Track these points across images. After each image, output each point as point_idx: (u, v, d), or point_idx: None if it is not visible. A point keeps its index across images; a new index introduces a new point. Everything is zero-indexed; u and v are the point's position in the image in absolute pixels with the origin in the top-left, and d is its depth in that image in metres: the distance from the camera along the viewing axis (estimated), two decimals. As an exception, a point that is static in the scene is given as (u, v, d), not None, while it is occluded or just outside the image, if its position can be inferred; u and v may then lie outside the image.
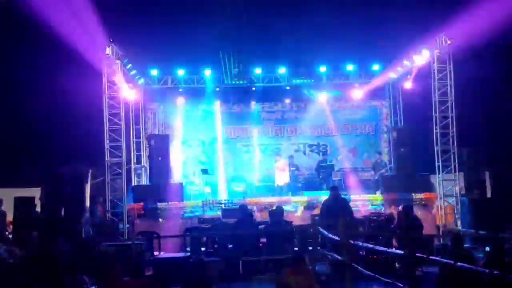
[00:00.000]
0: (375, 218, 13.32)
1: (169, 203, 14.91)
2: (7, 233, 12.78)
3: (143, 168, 18.05)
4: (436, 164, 14.96)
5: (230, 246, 11.57)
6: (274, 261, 10.58)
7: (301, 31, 15.69)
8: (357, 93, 18.57)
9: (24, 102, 16.69)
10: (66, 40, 15.03)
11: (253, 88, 18.20)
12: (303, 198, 15.49)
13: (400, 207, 12.40)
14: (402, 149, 16.92)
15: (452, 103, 14.90)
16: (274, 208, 12.99)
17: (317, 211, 13.51)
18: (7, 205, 12.84)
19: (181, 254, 11.98)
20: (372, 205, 15.28)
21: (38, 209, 12.76)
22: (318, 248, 10.89)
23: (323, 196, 13.84)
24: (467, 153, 15.25)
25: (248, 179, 18.03)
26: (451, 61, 14.88)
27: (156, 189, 15.51)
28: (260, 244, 11.63)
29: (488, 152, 15.41)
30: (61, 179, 13.10)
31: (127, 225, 14.11)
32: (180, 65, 17.31)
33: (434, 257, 7.53)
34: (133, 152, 17.86)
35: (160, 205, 14.73)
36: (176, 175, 17.85)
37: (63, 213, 12.71)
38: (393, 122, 19.24)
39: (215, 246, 12.22)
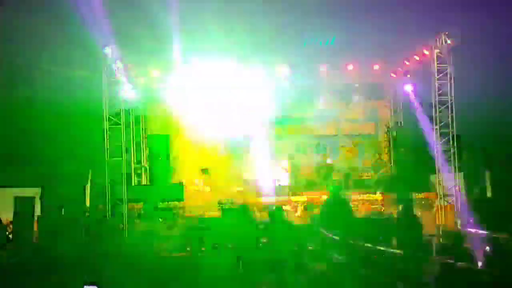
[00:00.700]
0: (375, 217, 13.31)
1: (169, 202, 14.90)
2: (7, 233, 12.78)
3: (143, 168, 18.04)
4: (436, 164, 14.96)
5: (230, 246, 11.57)
6: (274, 261, 10.58)
7: (301, 31, 15.69)
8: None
9: (24, 102, 16.69)
10: (66, 40, 15.06)
11: (255, 87, 18.17)
12: (303, 198, 15.47)
13: (400, 207, 12.39)
14: (402, 149, 16.93)
15: (452, 103, 14.89)
16: (274, 208, 13.00)
17: (317, 211, 13.51)
18: (7, 205, 12.84)
19: (181, 254, 11.99)
20: (372, 205, 15.27)
21: (38, 209, 12.77)
22: (318, 247, 10.90)
23: (323, 196, 13.84)
24: (467, 153, 15.25)
25: (248, 179, 17.99)
26: (451, 61, 14.87)
27: (156, 189, 15.51)
28: (260, 244, 11.63)
29: (488, 152, 15.42)
30: (61, 179, 13.11)
31: (127, 225, 14.10)
32: (180, 66, 17.27)
33: (434, 257, 7.53)
34: (133, 152, 17.84)
35: (160, 204, 14.72)
36: (176, 175, 17.84)
37: (63, 213, 12.72)
38: (393, 122, 19.23)
39: (215, 246, 12.23)
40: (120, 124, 14.64)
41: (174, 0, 14.51)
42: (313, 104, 19.10)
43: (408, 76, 17.67)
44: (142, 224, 14.38)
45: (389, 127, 19.21)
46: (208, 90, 18.40)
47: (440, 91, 14.99)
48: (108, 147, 14.51)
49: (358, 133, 19.35)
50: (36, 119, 16.72)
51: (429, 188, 15.52)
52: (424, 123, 16.17)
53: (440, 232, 14.27)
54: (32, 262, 8.73)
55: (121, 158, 14.54)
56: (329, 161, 17.88)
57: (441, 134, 14.96)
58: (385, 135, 19.31)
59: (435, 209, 15.07)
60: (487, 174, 15.01)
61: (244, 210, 12.44)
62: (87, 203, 13.96)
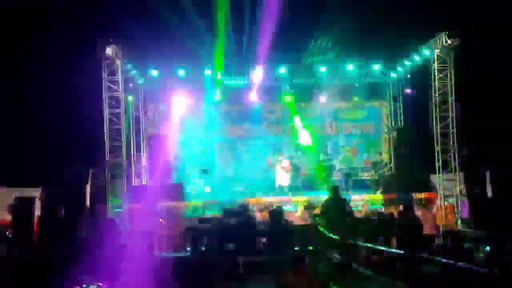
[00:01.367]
0: (375, 218, 13.29)
1: (169, 203, 14.90)
2: (7, 233, 12.77)
3: (143, 168, 18.05)
4: (436, 164, 14.97)
5: (230, 246, 11.57)
6: (274, 261, 10.58)
7: (301, 31, 15.70)
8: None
9: (24, 102, 16.70)
10: (66, 39, 15.07)
11: (253, 87, 18.21)
12: (303, 198, 15.48)
13: (400, 207, 12.39)
14: (402, 149, 16.93)
15: (452, 103, 14.90)
16: (274, 208, 13.00)
17: (317, 211, 13.51)
18: (7, 205, 12.83)
19: (181, 254, 11.98)
20: (372, 205, 15.27)
21: (38, 209, 12.76)
22: (318, 247, 10.89)
23: (323, 196, 13.83)
24: (467, 153, 15.25)
25: (248, 179, 17.99)
26: (451, 61, 14.87)
27: (156, 189, 15.50)
28: (260, 244, 11.63)
29: (488, 152, 15.40)
30: (61, 179, 13.10)
31: (127, 225, 14.09)
32: (180, 65, 17.30)
33: (434, 257, 7.53)
34: (133, 152, 17.86)
35: (160, 204, 14.72)
36: (176, 175, 17.84)
37: (63, 213, 12.71)
38: (393, 122, 19.24)
39: (215, 246, 12.22)
40: (120, 124, 14.63)
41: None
42: (313, 104, 19.13)
43: (408, 76, 17.67)
44: (142, 224, 14.38)
45: (389, 127, 19.22)
46: (208, 90, 18.47)
47: (440, 91, 15.00)
48: (108, 147, 14.51)
49: (358, 133, 19.38)
50: (36, 119, 16.74)
51: (429, 188, 15.53)
52: (424, 122, 16.17)
53: (440, 232, 14.27)
54: (32, 262, 8.72)
55: (121, 158, 14.54)
56: (329, 161, 17.86)
57: (441, 133, 14.96)
58: (385, 135, 19.33)
59: (435, 209, 15.07)
60: (487, 174, 14.99)
61: (244, 210, 12.43)
62: (87, 203, 13.94)
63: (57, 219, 12.44)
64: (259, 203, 15.11)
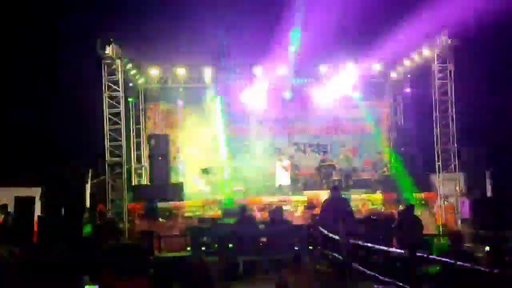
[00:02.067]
0: (375, 218, 13.30)
1: (169, 202, 14.91)
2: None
3: (143, 168, 18.05)
4: (436, 163, 14.97)
5: (230, 246, 11.56)
6: (274, 261, 10.58)
7: (300, 31, 15.69)
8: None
9: (24, 102, 16.71)
10: (66, 39, 15.07)
11: (253, 87, 18.21)
12: (303, 198, 15.48)
13: (401, 207, 12.40)
14: (402, 149, 16.94)
15: (452, 103, 14.90)
16: (274, 208, 12.99)
17: (317, 211, 13.51)
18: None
19: (181, 254, 11.97)
20: (372, 204, 15.27)
21: (38, 209, 12.76)
22: (318, 248, 10.89)
23: (323, 195, 13.83)
24: (467, 153, 15.25)
25: (248, 179, 17.99)
26: (451, 60, 14.87)
27: (156, 189, 15.51)
28: (260, 244, 11.63)
29: (488, 152, 15.41)
30: (61, 179, 13.10)
31: (127, 225, 14.10)
32: (180, 65, 17.30)
33: (434, 257, 7.53)
34: (133, 151, 17.87)
35: (160, 205, 14.73)
36: (176, 175, 17.85)
37: (63, 213, 12.71)
38: (393, 121, 19.24)
39: (215, 246, 12.22)
40: (120, 124, 14.63)
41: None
42: (313, 103, 19.13)
43: (408, 76, 17.68)
44: (142, 224, 14.39)
45: (389, 127, 19.22)
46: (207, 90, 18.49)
47: (440, 91, 15.00)
48: (108, 147, 14.51)
49: (358, 133, 19.38)
50: (36, 119, 16.75)
51: (429, 188, 15.53)
52: (424, 122, 16.19)
53: (440, 232, 14.28)
54: (32, 262, 8.72)
55: (121, 158, 14.54)
56: (329, 161, 17.87)
57: (441, 133, 14.96)
58: (385, 135, 19.33)
59: (435, 209, 15.07)
60: (487, 174, 15.00)
61: (244, 210, 12.42)
62: (87, 203, 13.95)
63: (57, 219, 12.42)
64: (259, 203, 15.11)
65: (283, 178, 17.02)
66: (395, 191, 15.27)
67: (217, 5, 15.75)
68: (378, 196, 15.59)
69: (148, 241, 12.09)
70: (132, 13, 15.20)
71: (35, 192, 13.33)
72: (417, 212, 13.63)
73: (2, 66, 15.89)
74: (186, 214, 14.92)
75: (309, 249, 11.15)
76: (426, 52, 15.44)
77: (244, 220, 11.82)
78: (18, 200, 12.40)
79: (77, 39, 15.34)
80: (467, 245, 11.58)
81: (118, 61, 14.62)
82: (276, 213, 12.11)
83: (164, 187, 15.62)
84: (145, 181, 17.83)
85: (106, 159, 14.46)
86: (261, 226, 12.26)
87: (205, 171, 17.25)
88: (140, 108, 18.48)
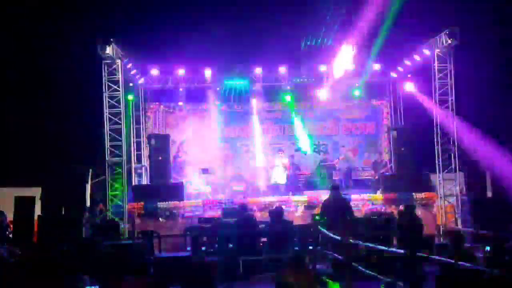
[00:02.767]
0: (375, 217, 13.30)
1: (169, 202, 14.91)
2: (7, 232, 12.77)
3: (143, 168, 18.06)
4: (437, 163, 14.97)
5: (230, 246, 11.56)
6: (274, 261, 10.58)
7: (301, 30, 15.70)
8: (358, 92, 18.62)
9: (23, 102, 16.70)
10: (66, 39, 15.06)
11: (254, 88, 18.24)
12: (303, 197, 15.48)
13: (401, 207, 12.39)
14: (402, 149, 16.93)
15: (452, 103, 14.90)
16: (274, 207, 12.98)
17: (317, 211, 13.51)
18: (7, 205, 12.83)
19: (181, 254, 11.97)
20: (372, 204, 15.27)
21: (38, 209, 12.75)
22: (318, 247, 10.89)
23: (323, 195, 13.83)
24: (467, 153, 15.25)
25: (248, 179, 18.01)
26: (451, 60, 14.87)
27: (156, 189, 15.51)
28: (260, 244, 11.62)
29: (488, 152, 15.41)
30: (61, 179, 13.08)
31: (127, 225, 14.10)
32: (180, 65, 17.30)
33: (434, 257, 7.53)
34: (134, 151, 17.87)
35: (160, 204, 14.73)
36: (176, 175, 17.85)
37: (63, 213, 12.71)
38: (393, 121, 19.25)
39: (215, 245, 12.22)
40: (120, 124, 14.63)
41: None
42: (313, 103, 19.14)
43: (408, 75, 17.68)
44: (142, 224, 14.39)
45: (389, 127, 19.22)
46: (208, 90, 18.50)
47: (440, 91, 15.00)
48: (108, 146, 14.51)
49: (358, 133, 19.39)
50: (36, 119, 16.74)
51: (429, 188, 15.52)
52: (424, 122, 16.19)
53: (440, 232, 14.27)
54: (32, 262, 8.71)
55: (121, 158, 14.54)
56: (330, 160, 17.88)
57: (441, 133, 14.96)
58: (385, 135, 19.33)
59: (435, 209, 15.07)
60: (487, 174, 15.00)
61: (244, 209, 12.42)
62: (87, 203, 13.94)
63: (57, 219, 12.42)
64: (259, 203, 15.11)
65: (280, 176, 17.01)
66: (395, 191, 15.27)
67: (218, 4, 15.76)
68: (378, 196, 15.59)
69: (148, 241, 12.08)
70: (132, 13, 15.18)
71: (35, 192, 13.30)
72: (418, 211, 13.64)
73: (2, 66, 15.88)
74: (186, 214, 14.92)
75: (309, 249, 11.14)
76: (426, 52, 15.44)
77: (244, 220, 11.80)
78: (18, 200, 12.40)
79: (78, 39, 15.32)
80: (467, 245, 11.59)
81: (118, 61, 14.62)
82: (276, 213, 12.09)
83: (164, 187, 15.61)
84: (145, 181, 17.83)
85: (106, 159, 14.46)
86: (261, 226, 12.25)
87: (205, 171, 17.25)
88: (140, 108, 18.49)
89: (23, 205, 12.31)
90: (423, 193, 15.17)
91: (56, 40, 15.86)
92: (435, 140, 14.99)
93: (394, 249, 8.91)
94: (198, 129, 18.99)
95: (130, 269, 9.34)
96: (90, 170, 14.52)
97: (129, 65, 16.02)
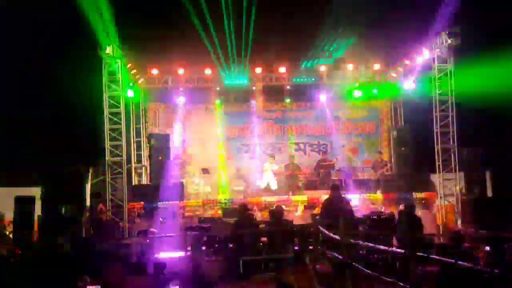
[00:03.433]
0: (375, 217, 13.31)
1: (169, 202, 14.91)
2: (7, 232, 12.79)
3: (143, 168, 18.06)
4: (437, 163, 14.97)
5: (230, 245, 11.56)
6: (274, 261, 10.58)
7: (301, 30, 15.68)
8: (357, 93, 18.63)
9: (23, 102, 16.70)
10: (66, 39, 15.05)
11: (254, 87, 18.25)
12: (303, 197, 15.49)
13: (401, 206, 12.39)
14: (402, 149, 16.94)
15: (452, 103, 14.91)
16: (274, 208, 12.98)
17: (317, 211, 13.51)
18: (7, 205, 12.84)
19: (181, 254, 11.98)
20: (372, 204, 15.28)
21: (38, 209, 12.75)
22: (319, 247, 10.89)
23: (323, 195, 13.84)
24: (467, 153, 15.25)
25: (248, 179, 18.01)
26: (451, 60, 14.88)
27: (157, 189, 15.51)
28: (260, 244, 11.63)
29: (488, 152, 15.40)
30: (61, 179, 13.08)
31: (127, 225, 14.10)
32: (180, 65, 17.30)
33: (434, 257, 7.53)
34: (134, 151, 17.87)
35: (160, 204, 14.73)
36: (177, 175, 17.84)
37: (63, 212, 12.71)
38: (393, 121, 19.25)
39: (215, 245, 12.22)
40: (120, 124, 14.63)
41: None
42: (313, 103, 19.16)
43: (408, 75, 17.68)
44: (142, 224, 14.39)
45: (389, 127, 19.23)
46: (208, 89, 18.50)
47: (440, 91, 15.00)
48: (108, 146, 14.51)
49: (358, 133, 19.39)
50: (36, 119, 16.74)
51: (429, 188, 15.53)
52: (424, 122, 16.19)
53: (440, 232, 14.28)
54: (32, 262, 8.73)
55: (121, 158, 14.54)
56: (328, 161, 17.88)
57: (441, 133, 14.96)
58: (385, 135, 19.34)
59: (435, 209, 15.08)
60: (487, 174, 15.00)
61: (244, 209, 12.41)
62: (87, 203, 13.93)
63: (57, 219, 12.42)
64: (259, 203, 15.12)
65: (272, 182, 16.99)
66: (395, 191, 15.28)
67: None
68: (378, 196, 15.59)
69: (148, 241, 12.09)
70: (132, 12, 15.17)
71: (35, 192, 13.31)
72: (417, 211, 13.65)
73: (2, 66, 15.88)
74: (186, 214, 14.92)
75: (309, 249, 11.14)
76: (426, 52, 15.45)
77: (244, 220, 11.80)
78: (18, 200, 12.41)
79: (78, 38, 15.31)
80: (467, 245, 11.59)
81: (118, 61, 14.62)
82: (276, 213, 12.09)
83: (164, 187, 15.61)
84: (145, 181, 17.83)
85: (106, 159, 14.47)
86: (261, 226, 12.25)
87: (205, 171, 17.25)
88: (140, 108, 18.49)
89: (23, 205, 12.31)
90: (423, 193, 15.17)
91: (56, 39, 15.86)
92: (435, 140, 14.99)
93: (394, 249, 8.91)
94: (198, 129, 19.00)
95: (130, 269, 9.34)
96: (90, 170, 14.52)
97: (129, 65, 16.01)
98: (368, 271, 8.00)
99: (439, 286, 7.97)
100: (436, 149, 14.97)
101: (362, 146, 19.35)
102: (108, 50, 14.00)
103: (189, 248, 12.52)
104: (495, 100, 15.99)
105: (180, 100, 18.61)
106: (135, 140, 18.01)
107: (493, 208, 13.14)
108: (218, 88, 18.37)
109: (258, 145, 18.92)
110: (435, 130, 15.01)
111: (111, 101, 14.58)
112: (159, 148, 16.66)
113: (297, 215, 14.70)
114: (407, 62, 16.97)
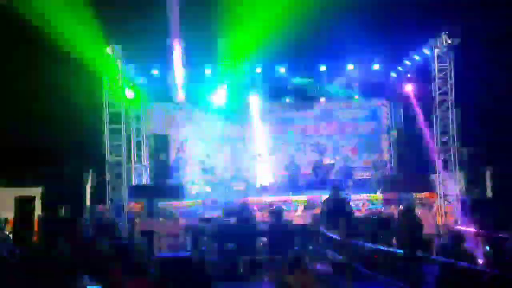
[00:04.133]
0: (375, 217, 13.31)
1: (170, 202, 14.91)
2: (7, 232, 12.77)
3: (143, 167, 18.05)
4: (437, 163, 14.96)
5: (230, 245, 11.57)
6: (274, 261, 10.59)
7: (301, 30, 15.68)
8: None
9: (23, 102, 16.68)
10: (66, 39, 15.03)
11: (254, 87, 18.24)
12: (303, 197, 15.48)
13: (401, 207, 12.39)
14: (402, 149, 16.92)
15: (452, 103, 14.90)
16: (274, 208, 13.00)
17: (317, 211, 13.51)
18: (7, 205, 12.83)
19: (181, 254, 11.97)
20: (372, 204, 15.27)
21: (38, 209, 12.75)
22: (318, 248, 10.90)
23: (323, 195, 13.84)
24: (467, 153, 15.25)
25: (248, 179, 17.99)
26: (451, 60, 14.87)
27: (156, 189, 15.51)
28: (260, 244, 11.63)
29: (488, 152, 15.41)
30: (61, 179, 13.09)
31: (127, 225, 14.10)
32: (180, 65, 17.27)
33: (434, 257, 7.54)
34: (134, 151, 17.86)
35: (160, 204, 14.73)
36: (177, 174, 17.83)
37: (63, 213, 12.71)
38: (393, 121, 19.24)
39: (215, 245, 12.22)
40: (121, 124, 14.63)
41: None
42: (313, 103, 19.16)
43: (408, 75, 17.68)
44: (142, 224, 14.39)
45: (389, 127, 19.22)
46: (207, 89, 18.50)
47: (440, 91, 15.00)
48: (108, 146, 14.51)
49: (358, 133, 19.38)
50: (36, 119, 16.73)
51: (429, 188, 15.52)
52: (424, 122, 16.20)
53: (440, 232, 14.27)
54: (32, 262, 8.72)
55: (121, 158, 14.54)
56: (329, 161, 17.88)
57: (441, 133, 14.96)
58: (385, 135, 19.33)
59: (435, 209, 15.07)
60: (488, 174, 14.99)
61: (244, 209, 12.42)
62: (87, 203, 13.94)
63: (57, 219, 12.43)
64: (259, 203, 15.11)
65: (283, 178, 17.00)
66: (395, 191, 15.26)
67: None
68: (378, 196, 15.58)
69: (148, 241, 12.08)
70: (132, 12, 15.17)
71: (35, 192, 13.31)
72: (417, 211, 13.63)
73: (1, 66, 15.87)
74: (186, 214, 14.90)
75: (309, 249, 11.15)
76: (426, 52, 15.44)
77: (244, 220, 11.81)
78: (18, 200, 12.40)
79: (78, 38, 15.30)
80: (467, 245, 11.59)
81: (118, 61, 14.62)
82: (276, 213, 12.10)
83: (164, 187, 15.61)
84: (145, 181, 17.82)
85: (106, 159, 14.46)
86: (261, 226, 12.26)
87: (205, 171, 17.24)
88: (140, 108, 18.48)
89: (23, 205, 12.30)
90: (423, 193, 15.16)
91: (56, 39, 15.85)
92: (435, 140, 14.98)
93: (394, 249, 8.92)
94: (198, 128, 18.99)
95: (130, 269, 9.32)
96: (90, 170, 14.53)
97: (129, 65, 16.00)
98: (368, 270, 8.01)
99: (439, 286, 7.98)
100: (436, 149, 14.96)
101: (362, 146, 19.34)
102: (108, 50, 13.99)
103: (188, 248, 12.53)
104: (495, 100, 16.02)
105: (180, 100, 18.57)
106: (135, 140, 18.00)
107: (493, 208, 13.14)
108: (218, 88, 18.35)
109: (258, 145, 18.89)
110: (435, 130, 15.00)
111: (111, 101, 14.57)
112: (159, 148, 16.65)
113: (297, 215, 14.70)
114: (407, 62, 16.95)
